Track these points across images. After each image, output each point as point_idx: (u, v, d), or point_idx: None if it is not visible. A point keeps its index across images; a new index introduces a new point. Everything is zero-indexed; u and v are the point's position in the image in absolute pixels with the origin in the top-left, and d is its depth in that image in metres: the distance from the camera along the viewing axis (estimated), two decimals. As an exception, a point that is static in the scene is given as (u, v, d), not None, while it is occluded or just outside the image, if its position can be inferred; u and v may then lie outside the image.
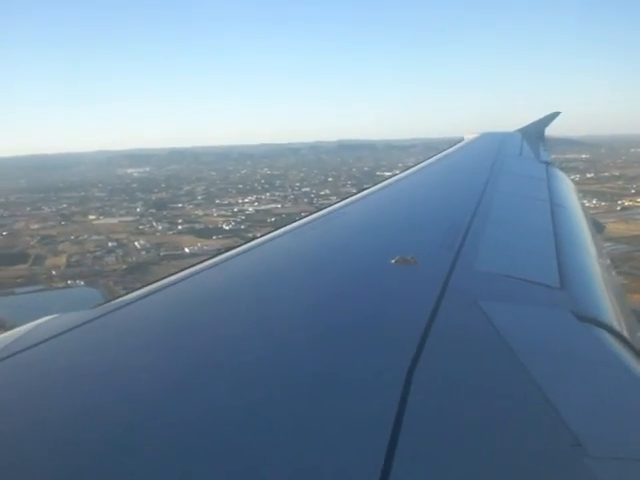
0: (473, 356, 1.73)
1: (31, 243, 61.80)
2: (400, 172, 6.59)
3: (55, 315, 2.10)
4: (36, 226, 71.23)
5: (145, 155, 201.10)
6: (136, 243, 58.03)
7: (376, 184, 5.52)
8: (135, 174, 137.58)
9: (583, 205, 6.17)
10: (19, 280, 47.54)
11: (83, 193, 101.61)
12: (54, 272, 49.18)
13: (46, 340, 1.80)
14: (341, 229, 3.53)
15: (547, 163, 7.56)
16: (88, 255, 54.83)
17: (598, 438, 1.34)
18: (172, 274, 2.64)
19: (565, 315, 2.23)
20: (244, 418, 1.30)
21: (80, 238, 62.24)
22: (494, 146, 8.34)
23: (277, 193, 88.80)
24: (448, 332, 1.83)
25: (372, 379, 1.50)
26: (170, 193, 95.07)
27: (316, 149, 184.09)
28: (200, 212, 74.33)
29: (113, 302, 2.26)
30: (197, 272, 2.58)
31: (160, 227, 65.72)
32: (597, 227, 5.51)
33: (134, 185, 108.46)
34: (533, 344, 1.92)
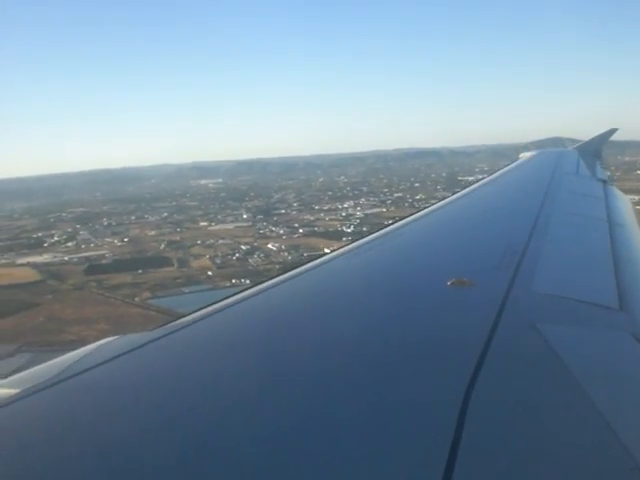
0: (532, 380, 1.71)
1: (161, 248, 63.92)
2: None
3: (119, 336, 2.18)
4: (152, 233, 73.63)
5: (209, 167, 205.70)
6: (269, 245, 59.45)
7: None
8: (210, 185, 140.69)
9: None
10: (178, 281, 49.26)
11: (174, 203, 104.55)
12: (210, 273, 50.76)
13: (109, 360, 1.86)
14: (398, 250, 3.58)
15: (604, 181, 7.44)
16: (229, 257, 56.46)
17: None
18: (231, 295, 2.66)
19: (625, 337, 2.18)
20: (314, 433, 1.35)
21: (207, 243, 64.11)
22: (550, 164, 8.26)
23: (371, 198, 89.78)
24: (506, 355, 1.83)
25: (430, 402, 1.51)
26: (263, 201, 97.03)
27: (381, 157, 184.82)
28: (310, 217, 75.61)
29: (178, 321, 2.31)
30: (242, 300, 2.59)
31: (282, 231, 67.14)
32: None
33: (222, 194, 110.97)
34: (593, 368, 1.89)
